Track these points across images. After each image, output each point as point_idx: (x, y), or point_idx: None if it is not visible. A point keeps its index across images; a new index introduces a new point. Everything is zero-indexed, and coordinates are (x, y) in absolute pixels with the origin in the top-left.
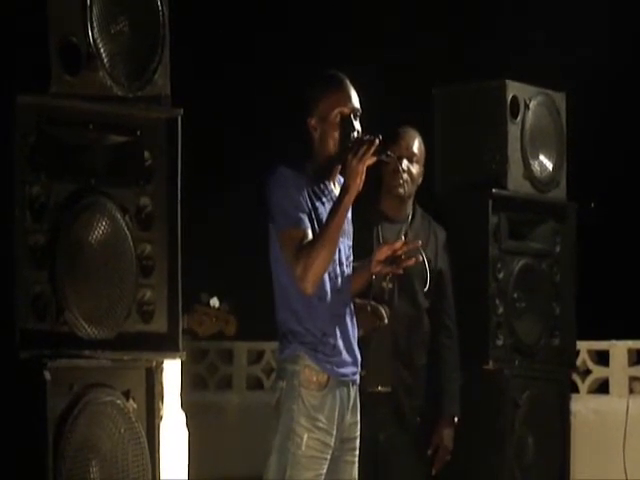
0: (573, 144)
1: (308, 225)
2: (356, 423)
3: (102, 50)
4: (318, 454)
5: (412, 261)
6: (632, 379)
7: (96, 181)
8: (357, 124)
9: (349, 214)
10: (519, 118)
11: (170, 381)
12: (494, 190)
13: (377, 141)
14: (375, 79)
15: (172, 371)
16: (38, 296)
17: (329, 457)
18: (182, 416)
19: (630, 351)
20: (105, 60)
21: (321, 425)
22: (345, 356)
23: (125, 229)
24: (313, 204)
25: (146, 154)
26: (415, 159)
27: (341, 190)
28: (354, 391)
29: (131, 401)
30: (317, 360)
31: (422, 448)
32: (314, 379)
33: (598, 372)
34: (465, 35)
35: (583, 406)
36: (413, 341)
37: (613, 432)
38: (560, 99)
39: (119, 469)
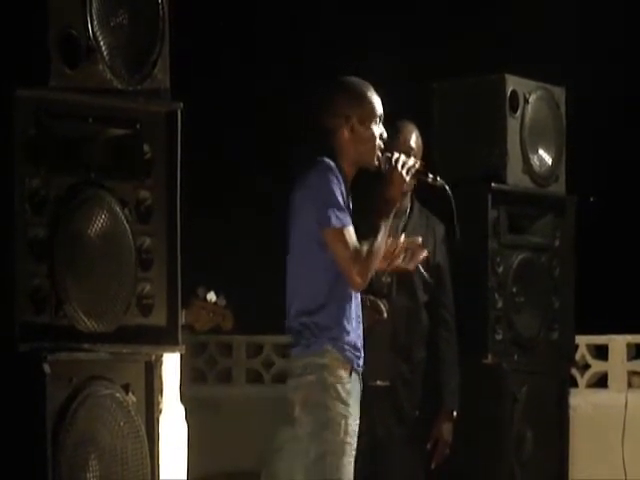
0: (572, 138)
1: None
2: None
3: (102, 43)
4: (352, 440)
5: (420, 258)
6: (631, 373)
7: (96, 174)
8: (384, 131)
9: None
10: (518, 112)
11: (169, 375)
12: (493, 184)
13: (418, 163)
14: (373, 73)
15: (171, 364)
16: (37, 289)
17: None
18: (181, 410)
19: (629, 345)
20: (105, 53)
21: (352, 412)
22: (361, 353)
23: (124, 222)
24: (348, 203)
25: (146, 147)
26: (413, 153)
27: (388, 201)
28: (361, 384)
29: (130, 394)
30: (342, 351)
31: (421, 442)
32: (342, 370)
33: (597, 366)
34: (464, 29)
35: (582, 400)
36: (412, 335)
37: (612, 426)
38: (559, 93)
39: (118, 462)
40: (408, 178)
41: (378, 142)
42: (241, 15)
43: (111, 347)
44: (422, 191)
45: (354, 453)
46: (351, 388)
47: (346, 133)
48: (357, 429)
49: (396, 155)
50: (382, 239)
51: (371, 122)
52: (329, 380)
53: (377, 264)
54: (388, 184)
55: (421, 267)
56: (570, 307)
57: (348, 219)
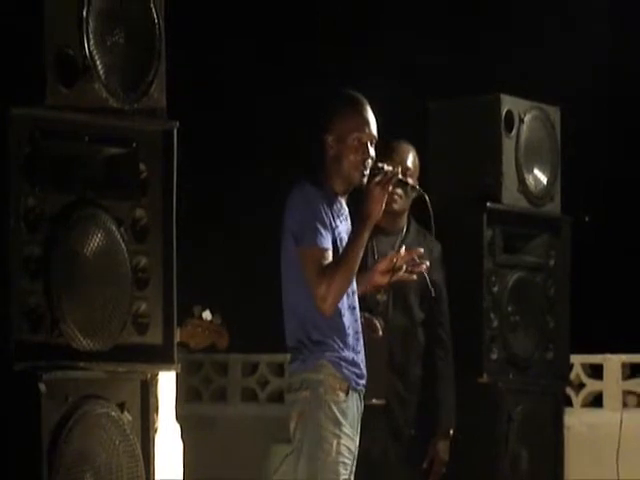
0: (567, 158)
1: (330, 245)
2: (358, 433)
3: (98, 62)
4: (345, 460)
5: (422, 267)
6: (626, 393)
7: (91, 193)
8: (372, 151)
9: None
10: (513, 132)
11: (165, 393)
12: (488, 204)
13: (399, 173)
14: (370, 92)
15: (167, 383)
16: (33, 308)
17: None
18: (177, 428)
19: (624, 365)
20: (101, 72)
21: (346, 431)
22: (361, 369)
23: (120, 241)
24: (334, 222)
25: (141, 166)
26: (409, 173)
27: (363, 215)
28: (362, 402)
29: (126, 413)
30: (339, 368)
31: (417, 461)
32: (337, 387)
33: (592, 386)
34: (460, 49)
35: (577, 420)
36: (408, 353)
37: (607, 446)
38: (554, 113)
39: None
40: (384, 194)
41: (364, 160)
42: (240, 34)
43: (107, 366)
44: (419, 211)
45: (347, 472)
46: (347, 408)
47: (329, 150)
48: (354, 448)
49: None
50: (354, 256)
51: (352, 141)
52: (324, 397)
53: (347, 283)
54: (366, 199)
55: (427, 277)
56: (565, 326)
57: (321, 238)
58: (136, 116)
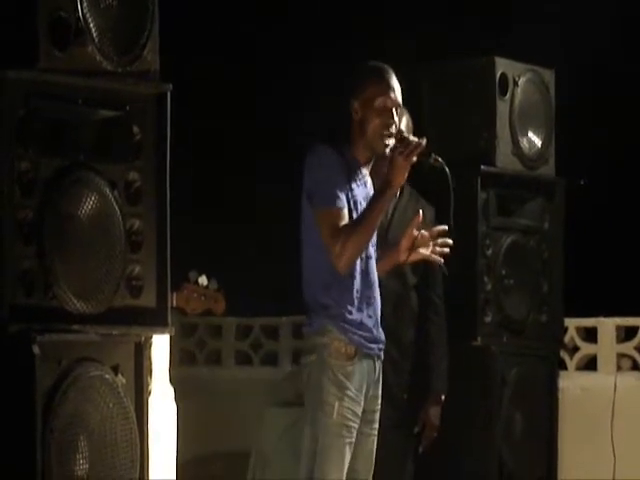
0: (562, 121)
1: (345, 205)
2: (377, 397)
3: (91, 25)
4: (348, 422)
5: (446, 249)
6: (620, 356)
7: (85, 156)
8: (397, 117)
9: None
10: (508, 95)
11: (159, 356)
12: (483, 167)
13: (423, 143)
14: (364, 57)
15: (161, 346)
16: (27, 271)
17: (357, 427)
18: (171, 391)
19: (618, 328)
20: (94, 35)
21: (351, 394)
22: (373, 333)
23: (114, 204)
24: (350, 185)
25: (135, 129)
26: None
27: (384, 183)
28: (378, 365)
29: (120, 376)
30: (345, 332)
31: (409, 425)
32: (343, 351)
33: (586, 349)
34: (453, 11)
35: (571, 383)
36: (401, 318)
37: (601, 409)
38: (549, 76)
39: (107, 443)
40: (407, 165)
41: (387, 127)
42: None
43: (100, 328)
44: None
45: (351, 435)
46: (353, 372)
47: (354, 116)
48: (360, 412)
49: (399, 137)
50: (372, 220)
51: (377, 105)
52: (327, 361)
53: (362, 245)
54: (389, 168)
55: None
56: (559, 290)
57: (336, 198)
58: (129, 79)
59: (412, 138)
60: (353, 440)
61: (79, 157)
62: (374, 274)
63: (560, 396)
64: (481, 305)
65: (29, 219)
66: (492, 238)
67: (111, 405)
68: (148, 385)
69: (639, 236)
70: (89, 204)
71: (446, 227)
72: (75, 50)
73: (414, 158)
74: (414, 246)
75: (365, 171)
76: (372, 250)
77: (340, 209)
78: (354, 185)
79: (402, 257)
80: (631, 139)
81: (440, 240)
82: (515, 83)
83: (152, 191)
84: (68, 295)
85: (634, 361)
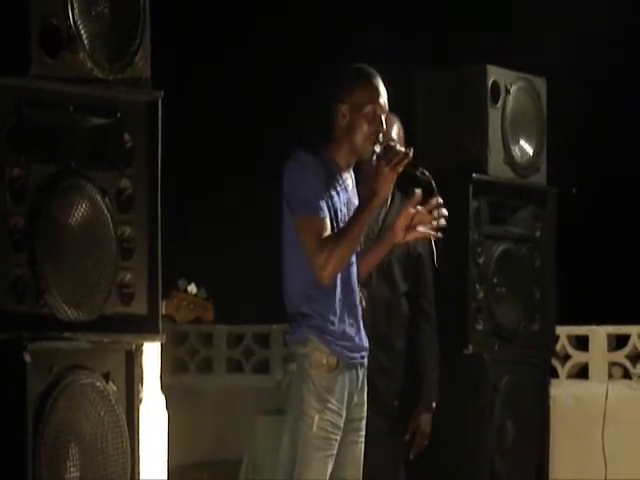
0: (553, 129)
1: (327, 214)
2: (362, 404)
3: (82, 32)
4: (329, 435)
5: (443, 221)
6: (611, 364)
7: (76, 163)
8: (384, 125)
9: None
10: (500, 103)
11: (150, 364)
12: (474, 175)
13: (410, 154)
14: (355, 63)
15: (152, 354)
16: (17, 278)
17: (339, 438)
18: (162, 399)
19: (609, 336)
20: (85, 42)
21: (331, 406)
22: (355, 342)
23: (105, 211)
24: (329, 192)
25: (126, 136)
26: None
27: (370, 193)
28: (362, 373)
29: (111, 383)
30: (327, 343)
31: (399, 433)
32: (324, 362)
33: (577, 357)
34: (447, 20)
35: (562, 391)
36: (391, 325)
37: (592, 417)
38: (540, 84)
39: (98, 451)
40: (393, 175)
41: (376, 133)
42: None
43: (91, 336)
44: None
45: (332, 448)
46: (334, 383)
47: (340, 120)
48: (342, 423)
49: (387, 147)
50: (357, 230)
51: (366, 110)
52: (308, 371)
53: (347, 256)
54: (375, 178)
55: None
56: (551, 298)
57: (318, 207)
58: (121, 86)
59: (399, 148)
60: (334, 452)
61: (70, 164)
62: (355, 282)
63: (551, 404)
64: (473, 313)
65: (20, 226)
66: (484, 246)
67: (102, 413)
68: (139, 393)
69: (631, 244)
70: (80, 211)
71: (440, 199)
72: (66, 57)
73: (400, 169)
74: (412, 224)
75: (346, 175)
76: (353, 257)
77: (323, 218)
78: (334, 192)
79: (399, 237)
80: (622, 148)
81: (435, 213)
82: (507, 91)
83: (143, 198)
84: (59, 302)
85: (625, 369)
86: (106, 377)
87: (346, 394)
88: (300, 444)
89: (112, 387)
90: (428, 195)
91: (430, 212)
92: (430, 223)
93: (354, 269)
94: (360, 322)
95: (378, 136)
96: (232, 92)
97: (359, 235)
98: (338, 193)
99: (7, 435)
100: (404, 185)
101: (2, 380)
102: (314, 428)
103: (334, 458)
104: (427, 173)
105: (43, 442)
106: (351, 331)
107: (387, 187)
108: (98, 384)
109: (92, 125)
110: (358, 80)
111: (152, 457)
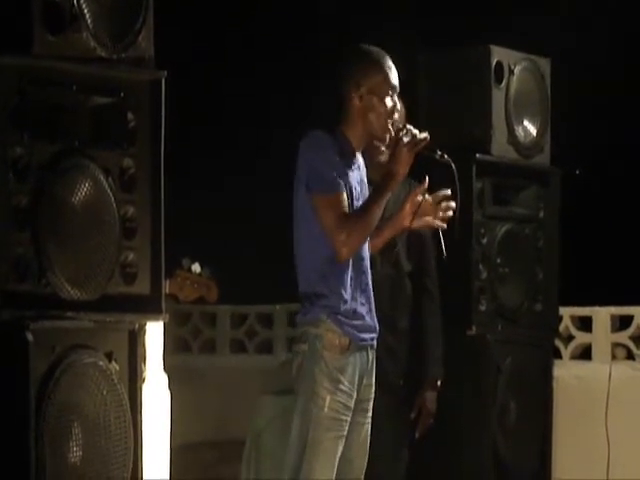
0: (557, 109)
1: (344, 190)
2: (371, 385)
3: (86, 11)
4: (340, 416)
5: (450, 212)
6: (615, 345)
7: (79, 142)
8: (399, 106)
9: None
10: (503, 83)
11: (153, 343)
12: (478, 155)
13: (428, 137)
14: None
15: (155, 333)
16: (20, 257)
17: (349, 419)
18: (164, 378)
19: (613, 317)
20: (89, 21)
21: (343, 387)
22: (366, 322)
23: (108, 191)
24: (344, 171)
25: (129, 116)
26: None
27: (387, 174)
28: (372, 354)
29: (113, 363)
30: (339, 324)
31: (405, 411)
32: (336, 342)
33: (581, 338)
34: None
35: (566, 372)
36: (396, 304)
37: (595, 398)
38: (545, 64)
39: (101, 430)
40: (411, 156)
41: (391, 114)
42: None
43: (94, 315)
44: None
45: (343, 429)
46: (346, 364)
47: (356, 102)
48: (352, 404)
49: (404, 130)
50: (375, 211)
51: (382, 92)
52: (321, 352)
53: (366, 235)
54: (392, 159)
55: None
56: (554, 278)
57: (337, 185)
58: (124, 65)
59: (415, 131)
60: (344, 433)
61: (73, 143)
62: (367, 260)
63: (555, 385)
64: (476, 294)
65: (23, 205)
66: (487, 227)
67: (105, 392)
68: (142, 372)
69: (635, 225)
70: (83, 190)
71: (449, 192)
72: (69, 36)
73: (417, 150)
74: (418, 212)
75: (357, 155)
76: None
77: (342, 195)
78: (348, 170)
79: (406, 221)
80: (626, 127)
81: (444, 204)
82: (511, 72)
83: (146, 178)
84: (62, 282)
85: (629, 350)
86: (109, 356)
87: (357, 375)
88: (311, 425)
89: (115, 366)
90: (449, 179)
91: (439, 203)
92: (436, 215)
93: (366, 247)
94: (372, 303)
95: (392, 117)
96: (236, 73)
97: (377, 215)
98: (352, 171)
99: (10, 414)
100: (423, 167)
101: (5, 360)
102: (325, 409)
103: (344, 439)
104: (446, 156)
105: (46, 421)
106: (362, 310)
107: (405, 168)
108: (101, 363)
109: (95, 104)
110: (371, 62)
111: (155, 436)
